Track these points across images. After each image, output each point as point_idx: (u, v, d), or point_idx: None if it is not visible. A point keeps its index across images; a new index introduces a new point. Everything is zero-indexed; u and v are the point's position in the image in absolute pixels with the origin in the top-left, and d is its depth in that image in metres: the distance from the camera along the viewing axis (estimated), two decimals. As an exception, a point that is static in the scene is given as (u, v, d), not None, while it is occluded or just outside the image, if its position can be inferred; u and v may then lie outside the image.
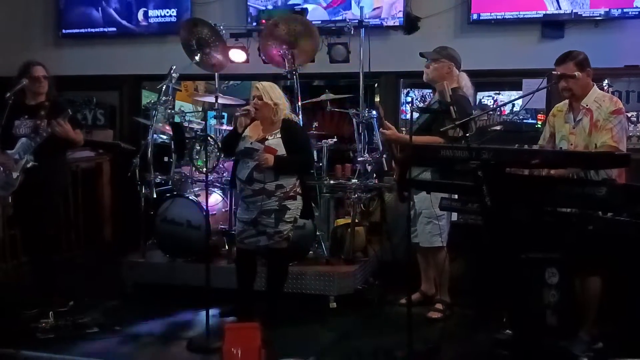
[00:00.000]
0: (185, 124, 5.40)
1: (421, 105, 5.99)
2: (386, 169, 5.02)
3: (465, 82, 4.62)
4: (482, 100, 6.19)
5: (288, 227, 4.36)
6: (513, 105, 6.18)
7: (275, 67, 5.69)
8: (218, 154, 5.20)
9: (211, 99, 5.84)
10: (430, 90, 5.78)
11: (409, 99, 6.38)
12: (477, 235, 3.45)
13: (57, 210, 5.13)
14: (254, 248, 4.44)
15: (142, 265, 5.35)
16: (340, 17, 6.11)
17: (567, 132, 3.87)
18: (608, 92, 4.77)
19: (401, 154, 4.52)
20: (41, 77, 4.68)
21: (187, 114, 5.84)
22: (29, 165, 4.54)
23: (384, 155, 5.12)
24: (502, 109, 6.15)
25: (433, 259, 4.74)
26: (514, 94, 6.10)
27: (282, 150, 4.29)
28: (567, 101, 3.94)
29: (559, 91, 3.89)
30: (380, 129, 4.59)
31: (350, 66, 5.87)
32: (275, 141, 4.31)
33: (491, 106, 6.17)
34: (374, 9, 6.14)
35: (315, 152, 5.52)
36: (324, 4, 6.31)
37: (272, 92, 4.32)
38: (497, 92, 6.17)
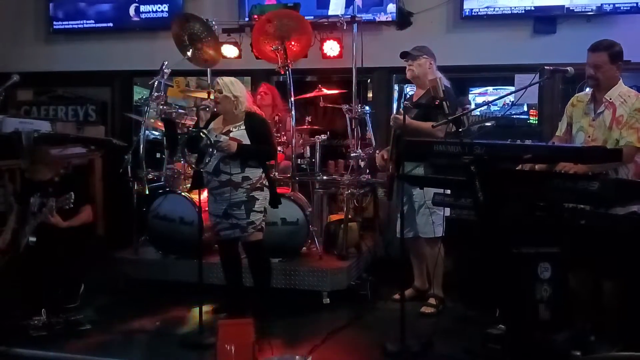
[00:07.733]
0: (177, 120, 5.36)
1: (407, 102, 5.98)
2: (378, 164, 5.00)
3: (442, 76, 4.65)
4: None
5: (259, 216, 4.39)
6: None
7: (267, 62, 5.67)
8: (210, 150, 5.16)
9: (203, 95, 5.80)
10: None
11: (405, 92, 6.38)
12: (470, 230, 3.45)
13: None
14: (232, 239, 4.47)
15: (135, 261, 5.34)
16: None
17: (586, 124, 3.82)
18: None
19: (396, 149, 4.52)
20: None
21: (179, 110, 5.80)
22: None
23: (377, 151, 5.11)
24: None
25: (430, 251, 4.73)
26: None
27: (246, 142, 4.35)
28: (589, 92, 3.89)
29: (587, 80, 3.80)
30: (393, 115, 4.61)
31: (343, 62, 5.86)
32: (239, 133, 4.38)
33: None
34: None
35: (307, 149, 5.52)
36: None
37: (232, 87, 4.41)
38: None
